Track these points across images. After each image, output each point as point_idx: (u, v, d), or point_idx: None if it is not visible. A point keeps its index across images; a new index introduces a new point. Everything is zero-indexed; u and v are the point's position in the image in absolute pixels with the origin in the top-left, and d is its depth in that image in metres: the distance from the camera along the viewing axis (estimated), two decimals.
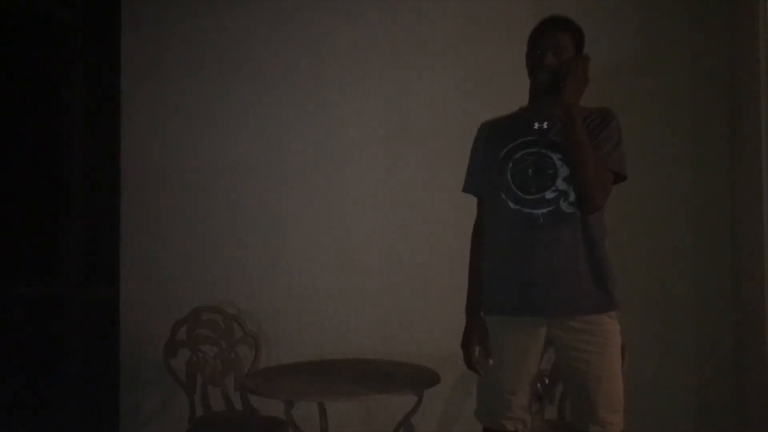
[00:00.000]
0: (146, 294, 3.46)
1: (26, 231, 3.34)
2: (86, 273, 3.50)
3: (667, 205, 3.28)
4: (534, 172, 2.06)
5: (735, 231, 3.21)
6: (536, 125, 2.11)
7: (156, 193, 3.51)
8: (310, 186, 3.46)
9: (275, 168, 3.47)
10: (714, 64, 3.28)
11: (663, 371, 3.24)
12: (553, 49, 2.07)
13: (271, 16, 3.50)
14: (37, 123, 3.44)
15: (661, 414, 3.22)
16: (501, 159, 2.12)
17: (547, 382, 2.84)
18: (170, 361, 3.12)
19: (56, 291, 3.40)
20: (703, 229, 3.27)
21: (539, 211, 2.05)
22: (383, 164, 3.44)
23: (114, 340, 3.44)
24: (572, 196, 2.03)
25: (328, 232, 3.44)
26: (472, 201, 2.31)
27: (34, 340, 3.26)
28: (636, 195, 3.05)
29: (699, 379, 3.26)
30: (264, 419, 3.08)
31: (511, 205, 2.08)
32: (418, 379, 2.71)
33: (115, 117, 3.51)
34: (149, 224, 3.50)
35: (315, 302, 3.41)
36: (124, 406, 3.44)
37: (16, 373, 3.14)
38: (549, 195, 2.05)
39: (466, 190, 2.31)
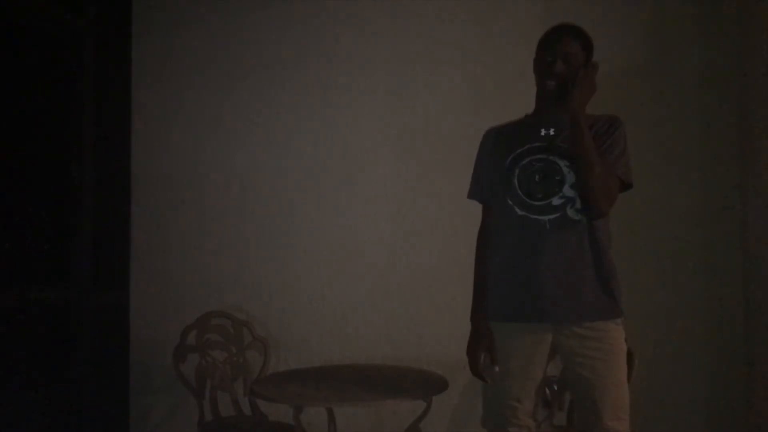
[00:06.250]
0: (156, 299, 3.47)
1: (37, 237, 3.36)
2: (97, 278, 3.52)
3: (676, 210, 3.28)
4: (541, 178, 2.06)
5: (745, 236, 3.19)
6: (543, 132, 2.11)
7: (166, 199, 3.53)
8: (319, 191, 3.47)
9: (284, 174, 3.49)
10: (723, 69, 3.28)
11: (673, 379, 3.23)
12: (563, 57, 2.07)
13: (280, 23, 3.53)
14: (49, 130, 3.47)
15: (672, 422, 3.20)
16: (508, 165, 2.12)
17: (555, 388, 2.83)
18: (180, 366, 3.13)
19: (67, 296, 3.42)
20: (714, 235, 3.26)
21: (546, 218, 2.05)
22: (391, 169, 3.45)
23: (124, 345, 3.45)
24: (579, 203, 2.03)
25: (337, 238, 3.45)
26: (479, 206, 2.31)
27: (45, 345, 3.28)
28: (645, 200, 3.05)
29: (710, 388, 3.24)
30: (273, 424, 3.09)
31: (518, 211, 2.08)
32: (427, 384, 2.70)
33: (126, 124, 3.53)
34: (159, 230, 3.52)
35: (324, 308, 3.42)
36: (134, 411, 3.46)
37: (27, 377, 3.16)
38: (556, 201, 2.05)
39: (471, 196, 2.31)
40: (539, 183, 2.07)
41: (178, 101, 3.55)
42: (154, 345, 3.37)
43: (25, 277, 3.23)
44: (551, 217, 2.04)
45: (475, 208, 2.31)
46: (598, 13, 3.25)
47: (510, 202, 2.10)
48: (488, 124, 2.33)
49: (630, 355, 2.13)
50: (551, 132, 2.10)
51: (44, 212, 3.43)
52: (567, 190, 2.04)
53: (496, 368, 2.11)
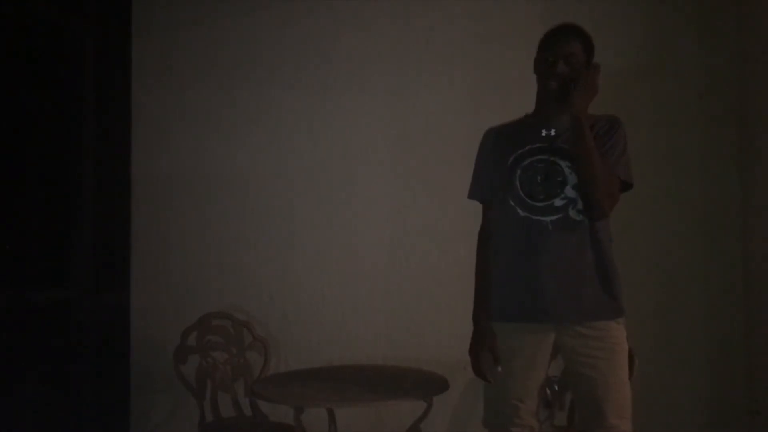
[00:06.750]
0: (157, 300, 3.47)
1: (38, 238, 3.36)
2: (97, 279, 3.52)
3: (676, 211, 3.28)
4: (543, 179, 2.06)
5: (745, 236, 3.19)
6: (544, 132, 2.11)
7: (167, 199, 3.53)
8: (319, 192, 3.47)
9: (284, 174, 3.49)
10: (723, 70, 3.28)
11: (674, 378, 3.23)
12: (565, 57, 2.07)
13: (279, 23, 3.53)
14: (49, 131, 3.47)
15: (672, 422, 3.20)
16: (509, 166, 2.12)
17: (556, 388, 2.83)
18: (180, 367, 3.13)
19: (67, 297, 3.41)
20: (714, 234, 3.27)
21: (548, 219, 2.05)
22: (391, 170, 3.45)
23: (124, 346, 3.45)
24: (581, 204, 2.03)
25: (337, 238, 3.44)
26: (479, 206, 2.30)
27: (45, 346, 3.27)
28: (645, 201, 3.05)
29: (710, 388, 3.24)
30: (273, 425, 3.09)
31: (520, 212, 2.08)
32: (427, 385, 2.70)
33: (126, 124, 3.53)
34: (160, 231, 3.52)
35: (324, 308, 3.42)
36: (135, 412, 3.46)
37: (28, 378, 3.16)
38: (558, 202, 2.05)
39: (471, 196, 2.31)
40: (541, 184, 2.07)
41: (178, 101, 3.55)
42: (155, 346, 3.37)
43: (26, 278, 3.23)
44: (553, 218, 2.04)
45: (475, 208, 2.31)
46: (598, 13, 3.25)
47: (512, 203, 2.10)
48: (488, 124, 2.33)
49: (630, 355, 2.14)
50: (552, 132, 2.10)
51: (44, 213, 3.42)
52: (569, 191, 2.04)
53: (499, 368, 2.11)
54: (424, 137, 3.43)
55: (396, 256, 3.41)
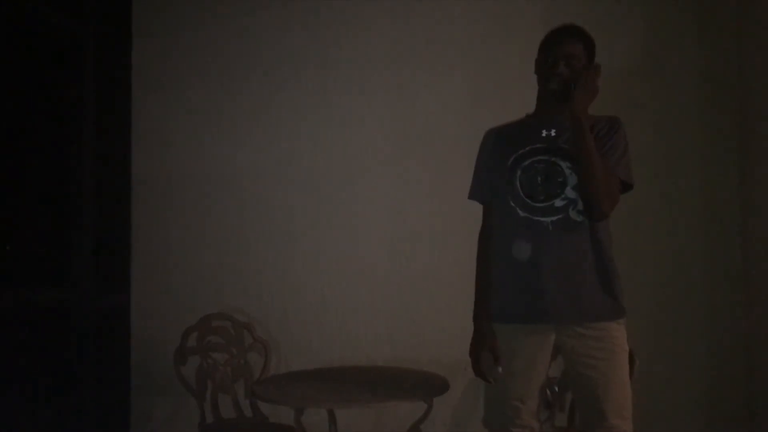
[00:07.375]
0: (157, 301, 3.47)
1: (38, 239, 3.36)
2: (97, 281, 3.51)
3: (677, 211, 3.28)
4: (543, 180, 2.07)
5: (745, 237, 3.19)
6: (544, 133, 2.11)
7: (167, 201, 3.52)
8: (319, 192, 3.47)
9: (284, 175, 3.49)
10: (723, 69, 3.28)
11: (674, 379, 3.23)
12: (566, 58, 2.07)
13: (279, 23, 3.52)
14: (50, 132, 3.47)
15: (672, 422, 3.20)
16: (509, 166, 2.12)
17: (556, 389, 2.83)
18: (181, 368, 3.12)
19: (68, 298, 3.41)
20: (714, 235, 3.27)
21: (548, 219, 2.05)
22: (392, 170, 3.45)
23: (125, 347, 3.45)
24: (581, 204, 2.03)
25: (337, 239, 3.44)
26: (480, 206, 2.30)
27: (46, 347, 3.27)
28: (645, 201, 3.05)
29: (710, 388, 3.24)
30: (273, 426, 3.09)
31: (520, 212, 2.08)
32: (428, 386, 2.70)
33: (126, 124, 3.53)
34: (160, 232, 3.51)
35: (324, 309, 3.41)
36: (135, 413, 3.45)
37: (28, 380, 3.16)
38: (558, 203, 2.05)
39: (472, 197, 2.31)
40: (541, 184, 2.07)
41: (178, 101, 3.55)
42: (155, 347, 3.36)
43: (26, 279, 3.23)
44: (554, 218, 2.04)
45: (475, 209, 2.31)
46: (599, 14, 3.25)
47: (512, 204, 2.10)
48: (488, 124, 2.33)
49: (631, 356, 2.14)
50: (552, 133, 2.11)
51: (44, 213, 3.42)
52: (569, 192, 2.04)
53: (500, 369, 2.11)
54: (424, 137, 3.43)
55: (396, 257, 3.41)
